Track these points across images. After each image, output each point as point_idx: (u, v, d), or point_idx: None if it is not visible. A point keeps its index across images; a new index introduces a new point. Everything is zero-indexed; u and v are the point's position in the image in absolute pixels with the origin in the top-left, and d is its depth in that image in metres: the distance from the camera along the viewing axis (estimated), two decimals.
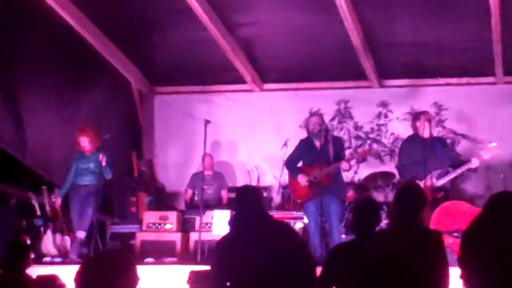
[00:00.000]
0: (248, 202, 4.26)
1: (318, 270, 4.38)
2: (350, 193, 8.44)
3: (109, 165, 7.75)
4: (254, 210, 4.22)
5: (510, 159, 8.56)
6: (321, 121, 7.49)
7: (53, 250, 7.55)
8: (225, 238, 4.28)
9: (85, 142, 7.83)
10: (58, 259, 7.35)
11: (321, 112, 8.91)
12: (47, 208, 7.75)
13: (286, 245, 4.14)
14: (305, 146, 7.46)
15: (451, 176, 7.17)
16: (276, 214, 7.68)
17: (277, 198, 8.84)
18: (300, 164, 7.50)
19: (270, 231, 4.20)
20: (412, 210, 4.07)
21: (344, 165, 7.21)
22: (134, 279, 2.79)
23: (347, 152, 7.92)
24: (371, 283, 3.93)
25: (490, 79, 8.97)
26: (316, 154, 7.32)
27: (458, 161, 7.28)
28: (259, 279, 3.99)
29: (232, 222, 4.31)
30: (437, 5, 7.76)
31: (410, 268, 3.86)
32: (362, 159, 8.66)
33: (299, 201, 7.54)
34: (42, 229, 7.63)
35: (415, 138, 7.37)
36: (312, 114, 8.03)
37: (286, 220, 7.63)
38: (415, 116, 7.58)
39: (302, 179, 7.24)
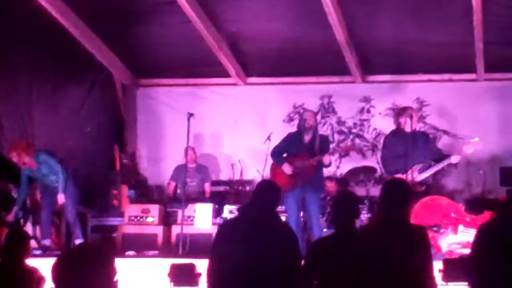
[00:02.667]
0: (260, 194, 4.43)
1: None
2: (332, 187, 8.48)
3: (51, 167, 7.66)
4: (262, 203, 4.37)
5: (490, 155, 8.64)
6: (312, 118, 7.54)
7: (33, 243, 7.51)
8: (227, 222, 4.46)
9: (20, 160, 7.59)
10: (38, 252, 7.32)
11: (305, 106, 8.94)
12: (27, 200, 7.72)
13: (278, 240, 4.25)
14: (293, 140, 7.49)
15: (433, 170, 7.22)
16: None
17: None
18: (285, 155, 7.53)
19: (268, 225, 4.30)
20: (399, 206, 4.09)
21: (326, 158, 7.24)
22: (111, 271, 2.78)
23: (331, 147, 7.97)
24: (357, 278, 3.95)
25: (472, 75, 9.04)
26: (302, 148, 7.37)
27: (440, 156, 7.34)
28: (247, 266, 4.13)
29: (241, 209, 4.49)
30: (421, 2, 7.80)
31: (397, 263, 3.88)
32: (344, 154, 8.71)
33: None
34: (22, 221, 7.60)
35: (398, 132, 7.41)
36: (305, 110, 8.08)
37: None
38: (398, 111, 7.62)
39: (287, 168, 7.28)
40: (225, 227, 4.48)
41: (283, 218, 7.70)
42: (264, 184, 4.65)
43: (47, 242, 7.62)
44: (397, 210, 4.08)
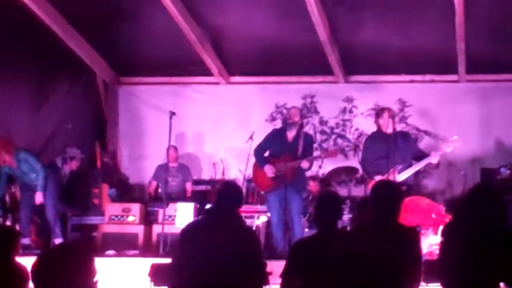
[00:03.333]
0: (223, 198, 4.44)
1: (282, 264, 4.40)
2: (315, 187, 8.49)
3: (31, 165, 7.61)
4: (224, 206, 4.39)
5: (470, 156, 8.71)
6: (298, 114, 7.50)
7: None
8: (190, 226, 4.48)
9: (2, 158, 7.52)
10: None
11: (287, 106, 8.94)
12: (7, 198, 7.64)
13: (241, 243, 4.29)
14: (276, 136, 7.46)
15: (413, 170, 7.23)
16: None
17: None
18: (267, 153, 7.51)
19: (230, 228, 4.33)
20: (389, 208, 4.11)
21: (304, 164, 7.21)
22: (91, 271, 2.77)
23: (314, 149, 7.97)
24: (342, 279, 3.95)
25: (453, 76, 9.10)
26: (286, 146, 7.32)
27: (420, 155, 7.36)
28: (211, 268, 4.15)
29: (204, 212, 4.55)
30: (403, 3, 7.84)
31: (386, 265, 3.89)
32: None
33: (262, 192, 7.56)
34: (1, 219, 7.53)
35: (378, 134, 7.42)
36: (293, 106, 8.06)
37: (250, 214, 7.66)
38: (378, 112, 7.63)
39: (269, 170, 7.25)
40: (188, 231, 4.42)
41: (265, 218, 7.74)
42: (226, 187, 4.67)
43: (26, 241, 7.55)
44: (388, 211, 4.10)
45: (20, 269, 4.48)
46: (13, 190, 7.67)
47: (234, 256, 4.20)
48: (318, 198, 5.36)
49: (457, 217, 4.10)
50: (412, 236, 4.05)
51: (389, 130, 7.28)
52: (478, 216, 3.94)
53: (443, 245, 4.07)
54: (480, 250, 3.85)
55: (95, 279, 2.81)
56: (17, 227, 7.65)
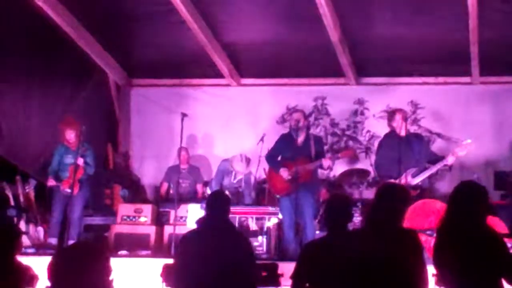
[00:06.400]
0: (214, 206, 4.65)
1: (293, 266, 4.40)
2: (323, 191, 8.46)
3: (93, 162, 7.70)
4: (216, 214, 4.61)
5: (484, 159, 8.66)
6: (302, 117, 7.49)
7: (26, 241, 7.47)
8: (186, 236, 4.67)
9: (70, 135, 7.74)
10: (31, 250, 7.27)
11: (298, 108, 8.92)
12: (21, 198, 7.67)
13: (236, 249, 4.48)
14: (285, 141, 7.46)
15: (427, 173, 7.20)
16: (251, 210, 7.71)
17: (252, 193, 8.83)
18: (279, 158, 7.50)
19: (224, 235, 4.53)
20: (393, 211, 4.10)
21: (326, 162, 7.22)
22: (107, 270, 2.78)
23: (325, 151, 7.96)
24: (349, 282, 3.94)
25: (466, 79, 9.06)
26: (296, 150, 7.33)
27: (434, 157, 7.33)
28: (209, 273, 4.33)
29: (199, 221, 4.68)
30: (416, 5, 7.81)
31: (388, 267, 3.88)
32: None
33: (278, 196, 7.55)
34: (15, 219, 7.55)
35: (392, 135, 7.40)
36: (294, 110, 8.05)
37: (261, 215, 7.65)
38: (391, 114, 7.61)
39: (285, 173, 7.24)
40: (185, 242, 4.64)
41: (276, 220, 7.73)
42: (215, 196, 4.91)
43: (53, 240, 7.55)
44: (391, 213, 4.08)
45: (23, 269, 4.49)
46: (27, 190, 7.69)
47: (227, 261, 4.36)
48: (328, 200, 5.35)
49: (444, 218, 4.08)
50: (413, 239, 4.04)
51: (403, 133, 7.26)
52: (461, 216, 3.93)
53: (434, 246, 4.06)
54: (460, 250, 3.83)
55: (110, 278, 2.81)
56: (31, 227, 7.68)
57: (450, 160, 7.10)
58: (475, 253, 3.81)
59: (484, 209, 4.02)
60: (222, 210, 4.63)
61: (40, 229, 7.65)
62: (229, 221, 4.71)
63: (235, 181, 8.39)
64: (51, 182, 7.68)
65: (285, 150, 7.41)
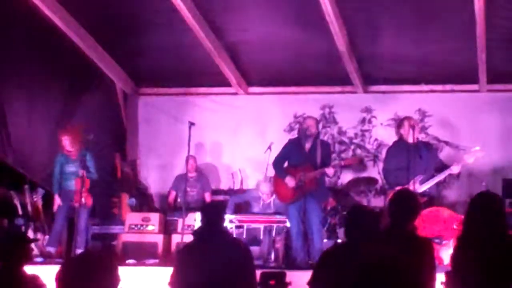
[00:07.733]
0: (209, 218, 4.70)
1: (301, 274, 4.41)
2: (330, 199, 8.44)
3: (94, 167, 7.71)
4: (213, 225, 4.66)
5: (492, 167, 8.63)
6: (314, 124, 7.50)
7: (34, 250, 7.48)
8: (184, 248, 4.84)
9: (65, 142, 7.74)
10: (39, 259, 7.28)
11: (306, 116, 8.91)
12: (29, 207, 7.69)
13: (233, 256, 4.53)
14: (293, 147, 7.46)
15: (434, 181, 7.20)
16: (258, 218, 7.71)
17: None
18: (285, 164, 7.50)
19: (221, 245, 4.57)
20: (406, 218, 4.10)
21: (330, 170, 7.22)
22: (115, 279, 2.77)
23: (333, 159, 7.95)
24: None
25: (474, 86, 9.04)
26: (303, 156, 7.33)
27: (441, 166, 7.32)
28: (206, 285, 4.41)
29: (195, 233, 4.78)
30: (423, 12, 7.81)
31: (400, 274, 3.87)
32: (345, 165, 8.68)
33: (284, 203, 7.54)
34: (23, 228, 7.57)
35: (400, 143, 7.40)
36: (308, 116, 8.03)
37: (269, 224, 7.64)
38: (399, 122, 7.60)
39: (291, 181, 7.23)
40: (182, 254, 4.75)
41: (284, 228, 7.71)
42: (209, 207, 5.07)
43: (51, 249, 7.56)
44: (404, 221, 4.07)
45: (30, 278, 4.49)
46: (35, 199, 7.71)
47: (226, 269, 4.41)
48: (348, 210, 5.35)
49: (464, 229, 4.06)
50: (427, 247, 4.06)
51: (411, 140, 7.25)
52: (482, 226, 3.91)
53: (453, 258, 4.04)
54: (487, 261, 3.82)
55: (119, 287, 2.81)
56: (39, 235, 7.69)
57: (454, 169, 7.10)
58: (503, 264, 3.78)
59: (505, 220, 4.01)
60: (217, 220, 4.69)
61: (48, 238, 7.66)
62: (225, 231, 4.81)
63: (266, 205, 8.28)
64: (58, 201, 7.69)
65: (292, 156, 7.41)
